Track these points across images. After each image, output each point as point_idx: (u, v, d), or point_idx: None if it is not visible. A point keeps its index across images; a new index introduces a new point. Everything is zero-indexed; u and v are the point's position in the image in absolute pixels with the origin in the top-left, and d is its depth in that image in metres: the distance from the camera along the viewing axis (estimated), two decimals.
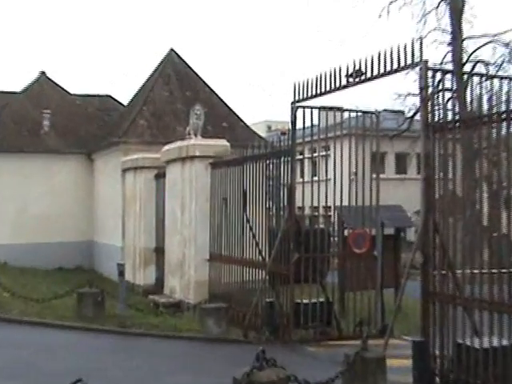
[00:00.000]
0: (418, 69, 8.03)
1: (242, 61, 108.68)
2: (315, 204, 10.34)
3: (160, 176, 16.56)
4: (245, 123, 22.68)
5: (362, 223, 10.62)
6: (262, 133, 53.74)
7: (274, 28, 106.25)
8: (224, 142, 13.66)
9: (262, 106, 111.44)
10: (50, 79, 27.02)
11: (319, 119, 10.47)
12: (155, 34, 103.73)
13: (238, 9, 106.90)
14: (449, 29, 22.14)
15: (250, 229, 11.64)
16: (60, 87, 26.90)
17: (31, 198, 23.22)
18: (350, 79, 9.11)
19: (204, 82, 23.14)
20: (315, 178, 10.63)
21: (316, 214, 11.76)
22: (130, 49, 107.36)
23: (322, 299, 10.58)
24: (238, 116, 22.61)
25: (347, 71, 9.11)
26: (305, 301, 10.34)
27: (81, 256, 23.29)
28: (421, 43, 8.03)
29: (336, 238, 11.37)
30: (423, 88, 7.86)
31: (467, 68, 20.92)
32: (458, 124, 7.70)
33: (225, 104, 22.74)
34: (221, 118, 21.87)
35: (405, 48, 8.16)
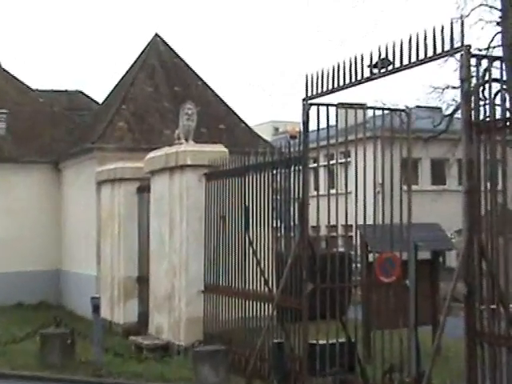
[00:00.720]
0: (458, 56, 8.09)
1: (242, 56, 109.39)
2: (333, 222, 10.38)
3: (143, 190, 16.64)
4: (247, 124, 22.80)
5: (390, 246, 10.65)
6: (268, 136, 53.90)
7: (276, 24, 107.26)
8: (221, 148, 13.73)
9: (266, 104, 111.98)
10: (5, 71, 27.19)
11: (337, 119, 10.53)
12: (137, 17, 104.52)
13: (237, 4, 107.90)
14: (498, 5, 21.82)
15: (254, 253, 11.69)
16: (19, 81, 27.03)
17: None
18: (375, 70, 9.18)
19: (196, 74, 23.29)
20: (333, 191, 10.68)
21: (334, 234, 11.80)
22: (106, 35, 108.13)
23: (342, 339, 10.59)
24: (238, 116, 22.73)
25: (371, 61, 9.19)
26: (321, 341, 10.35)
27: (45, 288, 23.32)
28: (462, 24, 8.04)
29: (359, 265, 11.40)
30: (465, 79, 7.91)
31: None
32: (508, 123, 7.73)
33: (222, 101, 22.87)
34: (217, 119, 21.99)
35: (442, 30, 8.10)
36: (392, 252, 10.62)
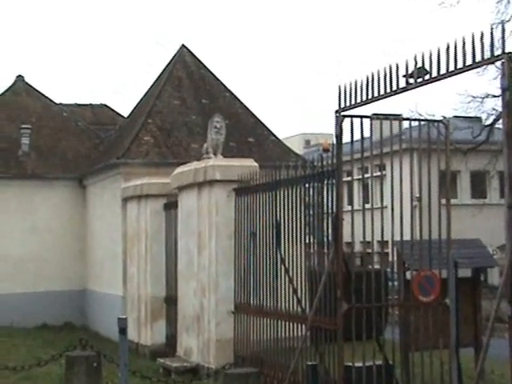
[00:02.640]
0: (498, 63, 8.04)
1: (271, 66, 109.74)
2: (368, 239, 10.34)
3: (171, 206, 16.72)
4: (276, 137, 22.84)
5: (428, 263, 10.58)
6: (299, 149, 53.98)
7: (306, 34, 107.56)
8: (251, 162, 13.76)
9: (297, 116, 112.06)
10: (29, 85, 27.52)
11: (371, 131, 10.52)
12: (163, 29, 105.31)
13: (266, 15, 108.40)
14: None
15: (286, 271, 11.68)
16: (42, 95, 27.36)
17: (6, 237, 23.52)
18: (411, 80, 9.16)
19: (224, 86, 23.40)
20: (367, 206, 10.65)
21: (369, 251, 11.75)
22: (131, 47, 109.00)
23: (379, 361, 10.53)
24: (267, 128, 22.77)
25: (406, 70, 9.18)
26: (357, 364, 10.30)
27: (71, 309, 23.50)
28: (503, 29, 8.00)
29: (396, 283, 11.33)
30: (506, 88, 7.87)
31: None
32: None
33: (251, 113, 22.94)
34: (246, 132, 22.06)
35: (481, 37, 8.07)
36: (431, 270, 10.55)
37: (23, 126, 24.85)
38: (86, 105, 31.26)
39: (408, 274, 11.07)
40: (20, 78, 27.61)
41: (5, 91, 26.97)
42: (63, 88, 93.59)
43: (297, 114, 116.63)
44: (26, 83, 27.56)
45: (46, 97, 27.41)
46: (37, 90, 27.45)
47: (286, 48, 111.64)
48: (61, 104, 28.33)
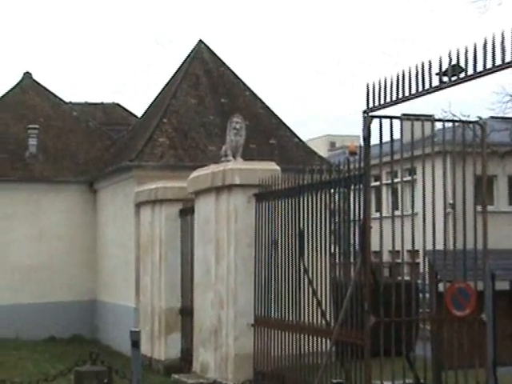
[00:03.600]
0: None
1: (294, 64, 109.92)
2: (397, 248, 10.33)
3: (187, 212, 16.76)
4: (300, 139, 22.84)
5: (463, 274, 10.55)
6: (323, 151, 53.95)
7: (331, 29, 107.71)
8: (273, 166, 13.78)
9: (322, 116, 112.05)
10: (37, 82, 27.68)
11: (401, 133, 10.51)
12: (180, 23, 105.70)
13: (287, 9, 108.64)
14: None
15: (310, 282, 11.68)
16: (51, 93, 27.49)
17: (12, 245, 23.65)
18: (445, 78, 9.15)
19: (245, 84, 23.44)
20: (397, 213, 10.63)
21: (399, 261, 11.73)
22: (145, 42, 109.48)
23: (409, 380, 10.50)
24: (290, 130, 22.78)
25: (440, 67, 9.17)
26: (386, 382, 10.28)
27: (79, 321, 23.58)
28: None
29: (427, 295, 11.30)
30: None
31: None
32: None
33: (273, 114, 22.96)
34: (268, 133, 22.08)
35: None
36: (465, 282, 10.51)
37: (30, 126, 24.98)
38: (97, 104, 31.43)
39: (441, 286, 11.04)
40: (27, 75, 27.76)
41: (11, 89, 27.09)
42: (73, 86, 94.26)
43: (322, 114, 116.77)
44: (34, 81, 27.72)
45: (55, 95, 27.55)
46: (45, 88, 27.59)
47: (305, 46, 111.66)
48: (70, 103, 28.49)
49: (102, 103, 31.60)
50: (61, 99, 27.59)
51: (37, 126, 25.03)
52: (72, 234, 24.08)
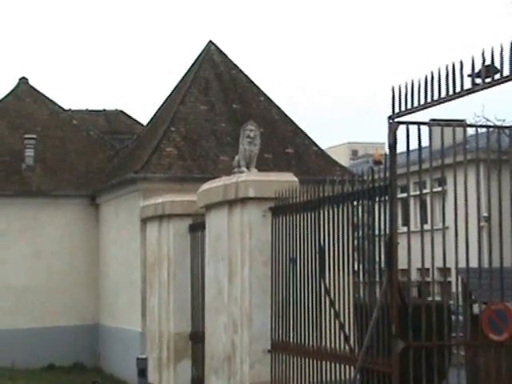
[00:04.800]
0: None
1: (312, 66, 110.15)
2: (427, 265, 10.29)
3: (197, 228, 16.76)
4: (319, 147, 22.85)
5: (500, 295, 10.49)
6: (345, 160, 53.98)
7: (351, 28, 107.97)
8: (290, 177, 13.76)
9: (343, 123, 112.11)
10: (34, 89, 27.80)
11: (430, 139, 10.49)
12: (188, 23, 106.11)
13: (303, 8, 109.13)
14: None
15: (332, 304, 11.64)
16: (49, 100, 27.61)
17: (7, 264, 23.72)
18: (478, 80, 9.13)
19: (259, 88, 23.48)
20: (427, 227, 10.60)
21: (429, 280, 11.69)
22: (150, 45, 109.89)
23: None
24: (309, 137, 22.80)
25: (472, 68, 9.14)
26: None
27: (80, 347, 23.63)
28: None
29: (461, 318, 11.25)
30: None
31: None
32: None
33: (290, 120, 22.98)
34: (284, 142, 22.10)
35: None
36: (503, 303, 10.46)
37: (27, 135, 25.09)
38: (99, 111, 31.53)
39: (475, 308, 11.00)
40: (24, 80, 27.93)
41: (6, 96, 27.26)
42: (73, 92, 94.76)
43: (342, 120, 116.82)
44: (31, 87, 27.87)
45: (54, 102, 27.69)
46: (43, 95, 27.75)
47: (325, 46, 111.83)
48: (70, 110, 28.63)
49: (104, 110, 31.69)
50: (60, 106, 27.73)
51: (34, 136, 25.13)
52: (72, 252, 24.13)
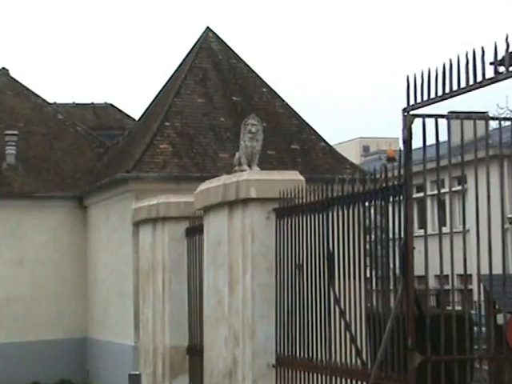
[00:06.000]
0: None
1: (320, 51, 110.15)
2: (446, 272, 10.27)
3: (194, 232, 16.76)
4: (327, 143, 22.84)
5: None
6: (356, 157, 53.97)
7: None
8: (296, 176, 13.77)
9: (353, 116, 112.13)
10: (15, 80, 27.79)
11: (449, 134, 10.48)
12: (184, 7, 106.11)
13: None
14: None
15: (342, 314, 11.64)
16: (32, 93, 27.61)
17: None
18: (501, 68, 9.11)
19: (261, 79, 23.47)
20: (445, 230, 10.59)
21: (448, 287, 11.67)
22: (141, 31, 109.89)
23: None
24: (316, 132, 22.79)
25: (495, 56, 9.13)
26: None
27: (68, 363, 23.62)
28: None
29: (484, 329, 11.24)
30: None
31: None
32: None
33: (295, 114, 22.97)
34: (289, 137, 22.10)
35: None
36: None
37: (8, 132, 25.09)
38: (87, 104, 31.53)
39: (499, 318, 10.99)
40: (4, 71, 27.95)
41: None
42: (58, 84, 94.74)
43: (353, 113, 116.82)
44: (12, 78, 27.86)
45: (37, 95, 27.69)
46: (25, 87, 27.72)
47: (334, 34, 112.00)
48: (55, 104, 28.61)
49: (92, 104, 31.70)
50: (44, 100, 27.71)
51: (15, 132, 25.12)
52: (58, 259, 24.12)
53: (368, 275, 11.52)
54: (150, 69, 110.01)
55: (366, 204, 11.46)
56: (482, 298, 11.11)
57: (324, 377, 12.02)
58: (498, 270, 10.36)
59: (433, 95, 9.94)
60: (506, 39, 8.99)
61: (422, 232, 10.66)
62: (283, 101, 23.14)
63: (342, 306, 11.67)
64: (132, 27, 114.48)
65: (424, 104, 10.10)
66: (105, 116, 30.75)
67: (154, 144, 20.96)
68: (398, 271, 10.67)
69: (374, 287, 11.51)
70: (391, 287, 10.92)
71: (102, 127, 29.23)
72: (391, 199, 10.82)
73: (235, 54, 23.94)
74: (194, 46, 24.05)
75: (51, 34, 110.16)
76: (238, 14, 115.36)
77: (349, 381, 11.47)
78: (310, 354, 12.44)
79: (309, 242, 12.59)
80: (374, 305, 11.44)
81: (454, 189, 11.21)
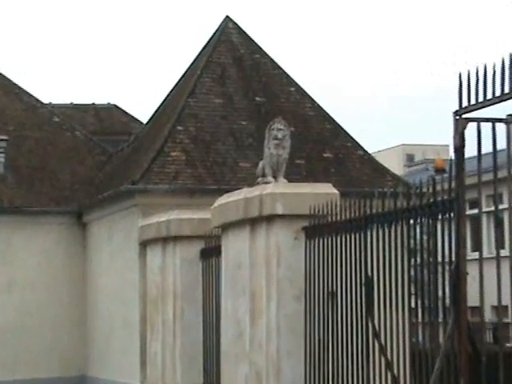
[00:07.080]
0: None
1: (356, 46, 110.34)
2: (505, 302, 10.23)
3: (211, 253, 16.77)
4: (366, 151, 22.82)
5: None
6: (398, 167, 53.86)
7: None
8: (328, 189, 13.77)
9: (395, 121, 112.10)
10: (4, 77, 27.88)
11: (508, 140, 10.44)
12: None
13: None
14: None
15: (381, 349, 11.62)
16: (24, 92, 27.70)
17: None
18: None
19: (288, 76, 23.48)
20: (504, 252, 10.55)
21: (508, 321, 11.63)
22: (151, 23, 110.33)
23: None
24: (352, 138, 22.77)
25: None
26: None
27: None
28: None
29: None
30: None
31: None
32: None
33: (328, 117, 22.96)
34: (321, 144, 22.09)
35: None
36: None
37: None
38: (88, 105, 31.61)
39: None
40: None
41: None
42: (55, 83, 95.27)
43: (395, 117, 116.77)
44: (1, 75, 27.94)
45: (30, 94, 27.78)
46: (16, 85, 27.81)
47: (370, 28, 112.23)
48: (50, 104, 28.70)
49: (93, 104, 31.78)
50: (37, 100, 27.79)
51: (5, 137, 25.23)
52: (53, 284, 24.17)
53: (413, 305, 11.49)
54: (160, 65, 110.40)
55: (411, 222, 11.44)
56: None
57: None
58: None
59: (489, 96, 9.91)
60: None
61: (476, 255, 10.62)
62: (314, 102, 23.15)
63: (383, 340, 11.65)
64: (139, 17, 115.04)
65: (479, 106, 10.07)
66: (107, 119, 30.85)
67: (164, 151, 20.99)
68: (447, 301, 10.64)
69: (419, 319, 11.47)
70: (440, 319, 10.89)
71: (105, 131, 29.32)
72: (440, 216, 10.80)
73: (259, 47, 23.97)
74: (212, 38, 24.11)
75: (45, 27, 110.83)
76: (262, 0, 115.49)
77: None
78: None
79: (343, 266, 12.58)
80: (420, 340, 11.40)
81: None
